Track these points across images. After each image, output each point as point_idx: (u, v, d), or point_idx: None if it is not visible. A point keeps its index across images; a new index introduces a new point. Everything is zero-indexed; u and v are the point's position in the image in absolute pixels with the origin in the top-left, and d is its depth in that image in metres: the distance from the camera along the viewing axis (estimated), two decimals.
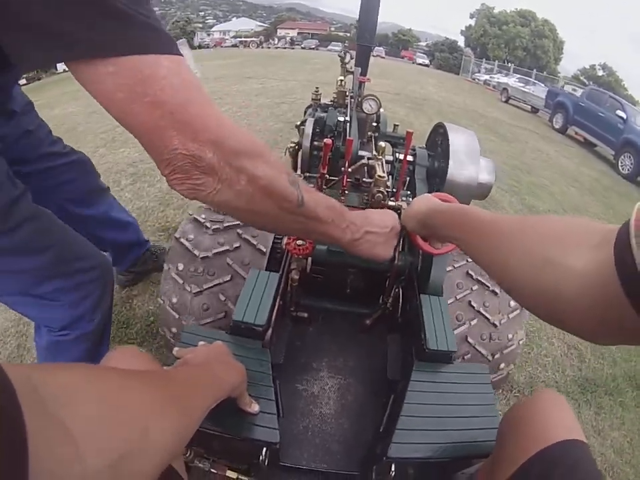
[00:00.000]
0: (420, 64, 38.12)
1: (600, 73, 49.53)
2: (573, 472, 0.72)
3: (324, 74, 12.03)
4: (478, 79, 26.31)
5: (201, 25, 69.81)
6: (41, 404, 0.35)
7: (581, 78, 47.38)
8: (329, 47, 38.88)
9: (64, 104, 8.06)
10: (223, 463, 1.00)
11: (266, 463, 0.93)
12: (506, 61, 33.30)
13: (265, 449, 0.93)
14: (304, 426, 1.21)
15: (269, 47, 42.00)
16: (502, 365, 1.53)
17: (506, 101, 16.86)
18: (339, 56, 2.74)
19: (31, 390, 0.34)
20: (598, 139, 10.78)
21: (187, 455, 0.93)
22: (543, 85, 19.43)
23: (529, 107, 15.99)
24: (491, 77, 24.53)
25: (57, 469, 0.34)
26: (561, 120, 12.49)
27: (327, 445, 1.18)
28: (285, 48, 40.99)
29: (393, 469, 0.93)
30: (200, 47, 42.44)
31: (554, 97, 13.56)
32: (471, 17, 48.01)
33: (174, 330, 1.51)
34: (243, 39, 45.06)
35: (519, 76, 23.08)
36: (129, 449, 0.43)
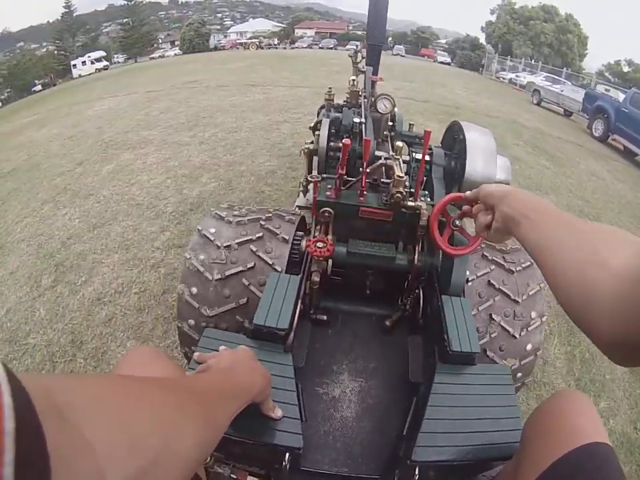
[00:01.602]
0: (441, 62, 37.22)
1: (626, 69, 47.41)
2: (598, 476, 0.72)
3: (341, 77, 10.47)
4: (503, 78, 25.31)
5: (218, 27, 69.53)
6: (60, 416, 0.34)
7: (606, 74, 45.37)
8: (347, 46, 37.18)
9: (55, 122, 8.05)
10: (243, 468, 1.00)
11: (287, 468, 0.93)
12: (531, 58, 31.60)
13: (287, 454, 0.93)
14: (325, 430, 1.21)
15: (285, 48, 41.58)
16: (519, 375, 1.51)
17: (538, 104, 15.63)
18: (349, 56, 2.75)
19: (50, 402, 0.34)
20: None
21: (207, 461, 0.93)
22: (570, 84, 18.46)
23: (562, 109, 14.86)
24: (517, 76, 23.52)
25: None
26: (601, 127, 11.25)
27: (349, 448, 1.18)
28: (302, 48, 40.55)
29: (417, 472, 0.94)
30: (216, 48, 42.05)
31: (592, 100, 12.20)
32: (492, 12, 46.77)
33: None
34: (243, 41, 44.22)
35: (545, 74, 22.17)
36: (150, 462, 0.43)
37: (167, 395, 0.53)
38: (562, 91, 15.18)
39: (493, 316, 1.48)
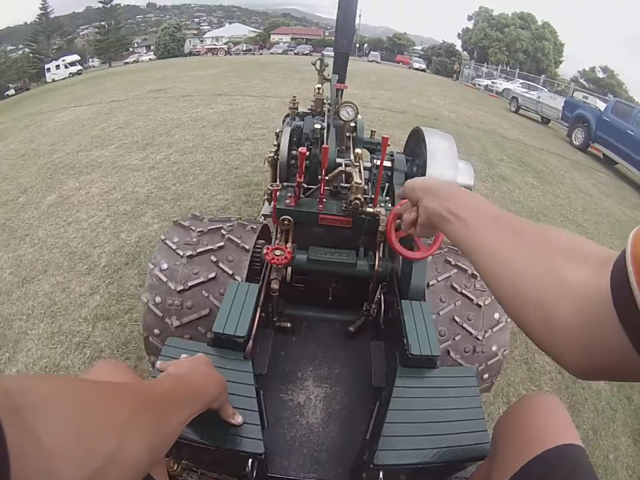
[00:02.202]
0: (417, 69, 37.69)
1: (600, 75, 48.44)
2: (571, 476, 0.73)
3: (314, 85, 10.04)
4: (479, 84, 25.53)
5: (195, 32, 68.78)
6: (17, 415, 0.36)
7: (581, 80, 45.94)
8: (323, 52, 36.59)
9: (14, 134, 7.71)
10: (212, 476, 1.02)
11: (253, 475, 0.94)
12: (507, 65, 31.75)
13: (250, 460, 0.94)
14: (291, 436, 1.22)
15: (261, 54, 41.47)
16: (486, 376, 1.55)
17: (516, 111, 15.65)
18: (312, 64, 2.69)
19: (9, 404, 0.35)
20: (625, 159, 9.45)
21: (175, 469, 0.95)
22: (546, 91, 18.64)
23: (539, 116, 14.87)
24: (492, 82, 23.71)
25: None
26: (581, 136, 11.17)
27: (315, 454, 1.18)
28: (277, 54, 40.65)
29: (381, 476, 0.94)
30: (191, 53, 41.36)
31: (572, 109, 12.11)
32: (469, 19, 47.59)
33: None
34: (211, 47, 43.92)
35: (522, 81, 22.49)
36: (103, 462, 0.44)
37: (122, 398, 0.54)
38: (539, 97, 15.20)
39: (456, 318, 1.51)
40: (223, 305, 1.20)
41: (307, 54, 41.36)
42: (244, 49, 45.05)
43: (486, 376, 1.55)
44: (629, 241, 0.42)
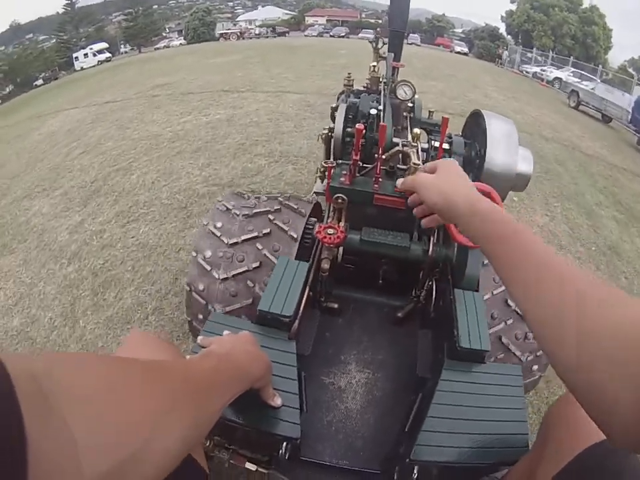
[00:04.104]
0: (458, 52, 36.13)
1: None
2: (624, 469, 0.70)
3: (351, 73, 8.01)
4: (526, 72, 23.69)
5: (229, 15, 67.55)
6: (43, 403, 0.34)
7: (630, 70, 42.52)
8: (360, 35, 36.22)
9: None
10: (243, 454, 1.02)
11: (286, 457, 0.93)
12: (552, 50, 29.33)
13: (285, 443, 0.93)
14: (328, 420, 1.21)
15: (273, 37, 39.89)
16: (535, 368, 1.52)
17: (575, 107, 13.84)
18: (370, 42, 2.69)
19: (34, 388, 0.34)
20: None
21: (207, 445, 0.94)
22: (599, 81, 17.08)
23: (600, 113, 13.22)
24: (542, 70, 22.09)
25: (54, 471, 0.33)
26: None
27: (350, 441, 1.18)
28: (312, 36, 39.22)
29: (415, 471, 0.93)
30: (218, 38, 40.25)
31: None
32: (512, 1, 43.71)
33: None
34: (223, 32, 42.14)
35: (573, 69, 21.07)
36: (131, 452, 0.41)
37: (157, 381, 0.50)
38: (593, 89, 13.95)
39: (509, 301, 1.47)
40: (271, 282, 1.19)
41: (342, 36, 39.89)
42: (266, 32, 43.50)
43: (535, 367, 1.50)
44: None
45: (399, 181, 1.01)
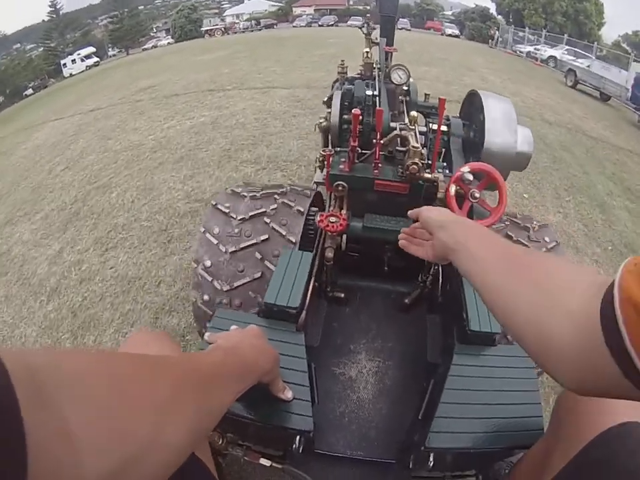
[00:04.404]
0: (449, 35, 36.07)
1: None
2: (638, 454, 0.69)
3: (344, 60, 7.56)
4: (519, 51, 23.54)
5: (216, 10, 66.92)
6: (41, 397, 0.33)
7: (624, 45, 41.89)
8: (349, 22, 36.02)
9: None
10: (257, 450, 1.01)
11: (300, 451, 0.92)
12: (544, 29, 29.01)
13: (298, 437, 0.92)
14: (340, 411, 1.21)
15: (252, 30, 39.92)
16: None
17: (573, 86, 13.52)
18: (359, 28, 2.74)
19: (31, 381, 0.33)
20: None
21: (220, 443, 0.94)
22: (594, 58, 16.99)
23: (598, 92, 12.96)
24: (536, 49, 21.88)
25: (53, 469, 0.32)
26: None
27: (364, 431, 1.17)
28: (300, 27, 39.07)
29: (431, 458, 0.92)
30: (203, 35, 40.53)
31: None
32: None
33: None
34: (208, 29, 42.08)
35: (567, 47, 20.96)
36: (135, 452, 0.39)
37: (161, 378, 0.49)
38: (589, 67, 13.85)
39: None
40: (275, 274, 1.18)
41: (331, 25, 39.67)
42: (251, 26, 43.27)
43: None
44: (618, 271, 0.46)
45: (411, 212, 1.04)
